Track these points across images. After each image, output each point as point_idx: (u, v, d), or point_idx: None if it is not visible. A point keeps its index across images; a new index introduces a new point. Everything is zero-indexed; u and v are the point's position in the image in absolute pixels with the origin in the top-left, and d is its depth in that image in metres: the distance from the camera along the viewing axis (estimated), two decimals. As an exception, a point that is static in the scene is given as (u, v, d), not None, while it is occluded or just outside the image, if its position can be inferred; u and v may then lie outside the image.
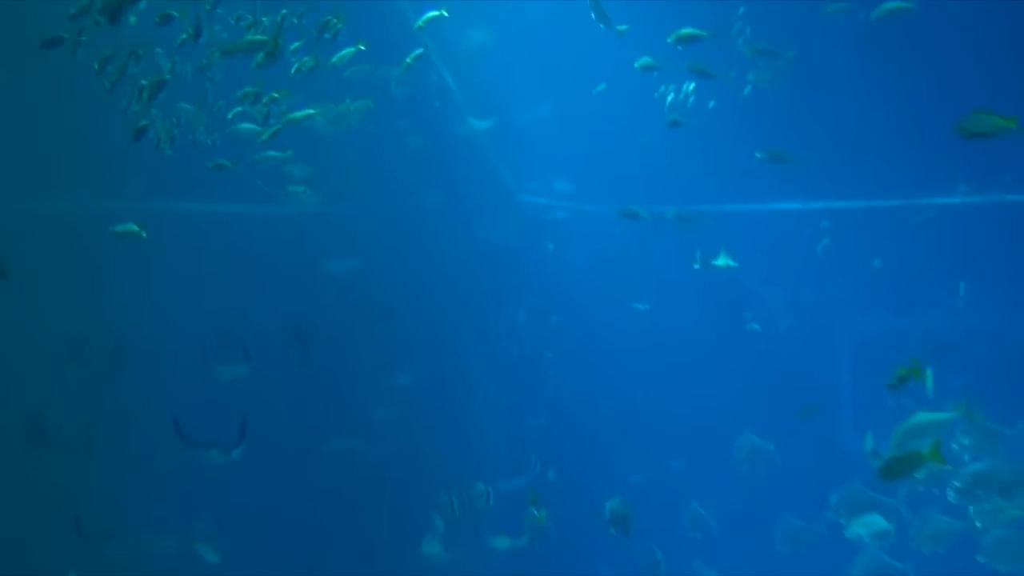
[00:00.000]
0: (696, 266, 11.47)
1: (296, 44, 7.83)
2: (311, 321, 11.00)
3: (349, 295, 11.62)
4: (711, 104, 12.51)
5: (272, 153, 8.60)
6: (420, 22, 8.02)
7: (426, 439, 12.77)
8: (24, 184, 7.58)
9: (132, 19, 6.69)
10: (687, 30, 9.25)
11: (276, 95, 7.81)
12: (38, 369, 7.67)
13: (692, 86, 11.87)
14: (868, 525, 9.66)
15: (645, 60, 10.29)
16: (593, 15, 9.13)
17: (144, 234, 6.98)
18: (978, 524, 9.28)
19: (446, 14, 7.95)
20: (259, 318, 10.56)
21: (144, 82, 6.92)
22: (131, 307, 8.92)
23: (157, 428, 8.44)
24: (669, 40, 9.45)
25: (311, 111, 8.05)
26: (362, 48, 7.99)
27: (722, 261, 11.45)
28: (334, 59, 7.95)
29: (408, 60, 8.73)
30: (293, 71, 7.83)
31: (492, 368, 14.49)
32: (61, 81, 7.30)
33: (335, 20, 7.44)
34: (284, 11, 7.35)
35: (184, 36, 7.05)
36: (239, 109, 8.03)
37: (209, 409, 9.04)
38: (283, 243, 10.98)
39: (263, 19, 7.28)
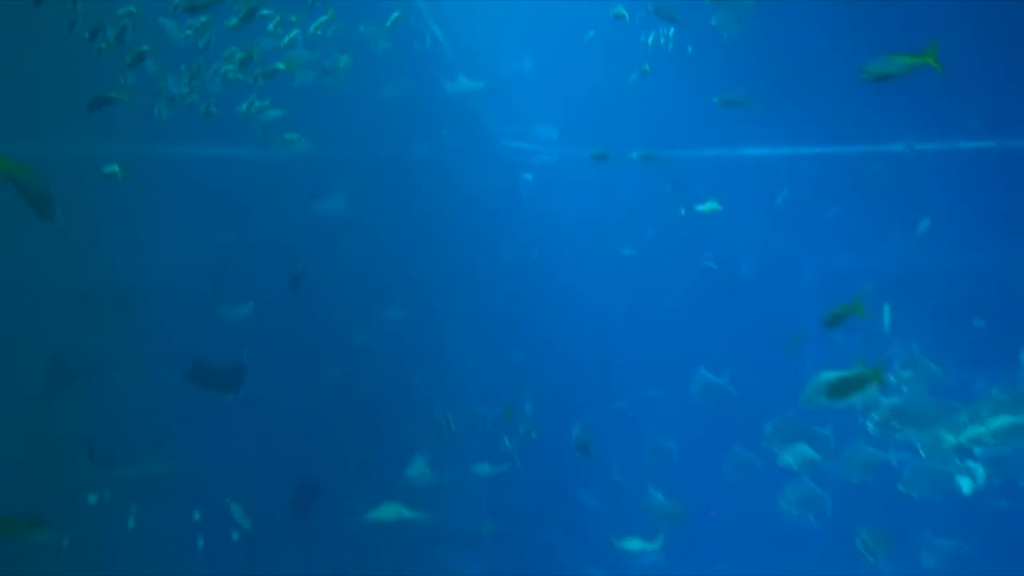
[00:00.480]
0: (682, 211, 11.88)
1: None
2: (307, 259, 11.38)
3: (344, 235, 12.05)
4: (689, 49, 12.76)
5: (258, 103, 8.98)
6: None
7: (416, 370, 13.32)
8: (29, 128, 7.72)
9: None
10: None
11: (251, 54, 8.12)
12: (53, 311, 8.14)
13: (672, 31, 12.09)
14: (796, 454, 10.29)
15: (618, 9, 10.56)
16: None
17: (122, 175, 7.20)
18: (923, 454, 9.92)
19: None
20: (257, 256, 10.99)
21: (128, 60, 7.25)
22: (137, 249, 9.29)
23: (162, 363, 8.95)
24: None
25: (280, 64, 8.38)
26: (330, 16, 8.34)
27: (707, 206, 11.92)
28: (312, 28, 8.35)
29: (388, 23, 9.11)
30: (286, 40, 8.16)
31: (478, 304, 15.09)
32: (65, 27, 7.42)
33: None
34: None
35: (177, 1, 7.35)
36: (229, 67, 8.38)
37: (212, 344, 9.46)
38: (280, 187, 11.35)
39: None
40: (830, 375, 7.91)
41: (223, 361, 9.07)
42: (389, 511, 9.19)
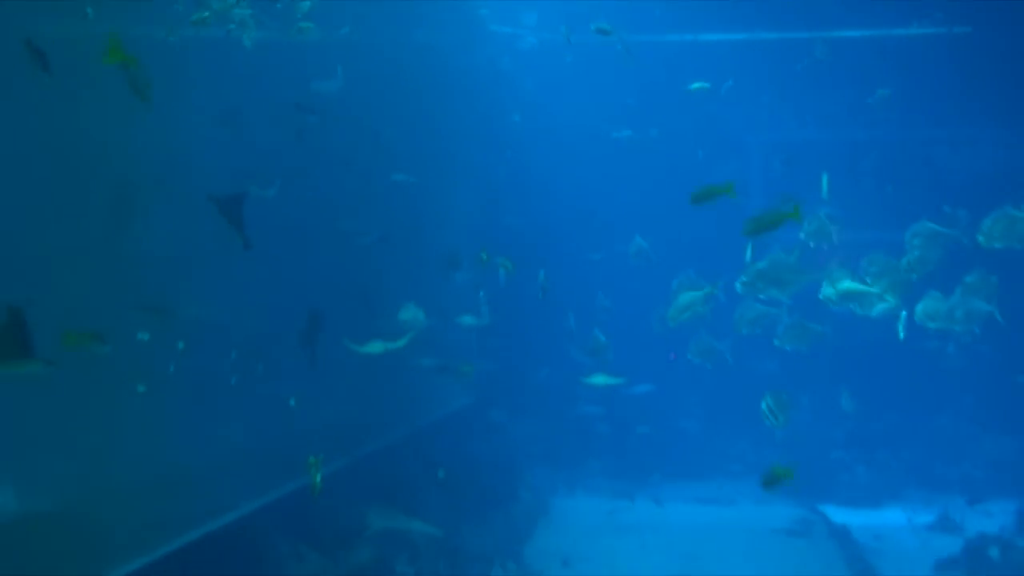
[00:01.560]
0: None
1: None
2: (319, 131, 11.64)
3: (351, 109, 12.41)
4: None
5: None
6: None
7: (414, 221, 14.25)
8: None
9: None
10: None
11: None
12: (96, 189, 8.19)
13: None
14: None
15: None
16: None
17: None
18: (833, 308, 10.96)
19: None
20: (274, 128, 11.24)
21: None
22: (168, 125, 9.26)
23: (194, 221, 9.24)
24: None
25: None
26: None
27: (696, 85, 12.71)
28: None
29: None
30: None
31: (472, 170, 16.07)
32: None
33: None
34: None
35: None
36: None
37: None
38: (293, 69, 11.44)
39: None
40: (690, 295, 8.82)
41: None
42: (375, 347, 10.02)
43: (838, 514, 16.40)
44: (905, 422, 18.72)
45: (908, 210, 11.87)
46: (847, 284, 9.92)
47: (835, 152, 16.08)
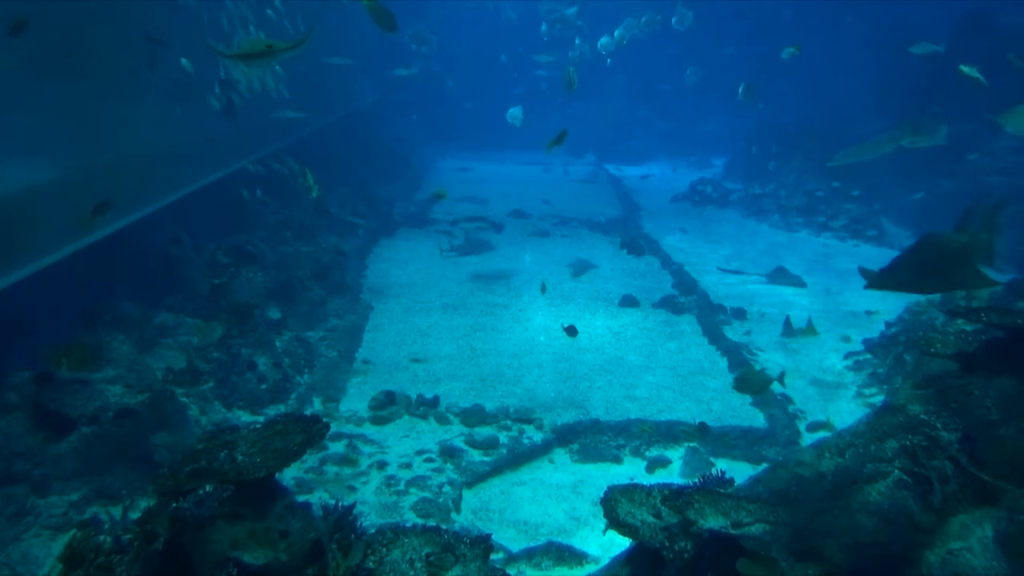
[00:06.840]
0: None
1: None
2: None
3: None
4: None
5: None
6: None
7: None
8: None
9: None
10: None
11: None
12: None
13: None
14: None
15: None
16: None
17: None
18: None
19: None
20: None
21: None
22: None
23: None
24: None
25: None
26: None
27: None
28: None
29: None
30: None
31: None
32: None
33: None
34: None
35: None
36: None
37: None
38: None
39: None
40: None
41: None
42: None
43: (614, 169, 20.89)
44: (658, 111, 22.00)
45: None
46: None
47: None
